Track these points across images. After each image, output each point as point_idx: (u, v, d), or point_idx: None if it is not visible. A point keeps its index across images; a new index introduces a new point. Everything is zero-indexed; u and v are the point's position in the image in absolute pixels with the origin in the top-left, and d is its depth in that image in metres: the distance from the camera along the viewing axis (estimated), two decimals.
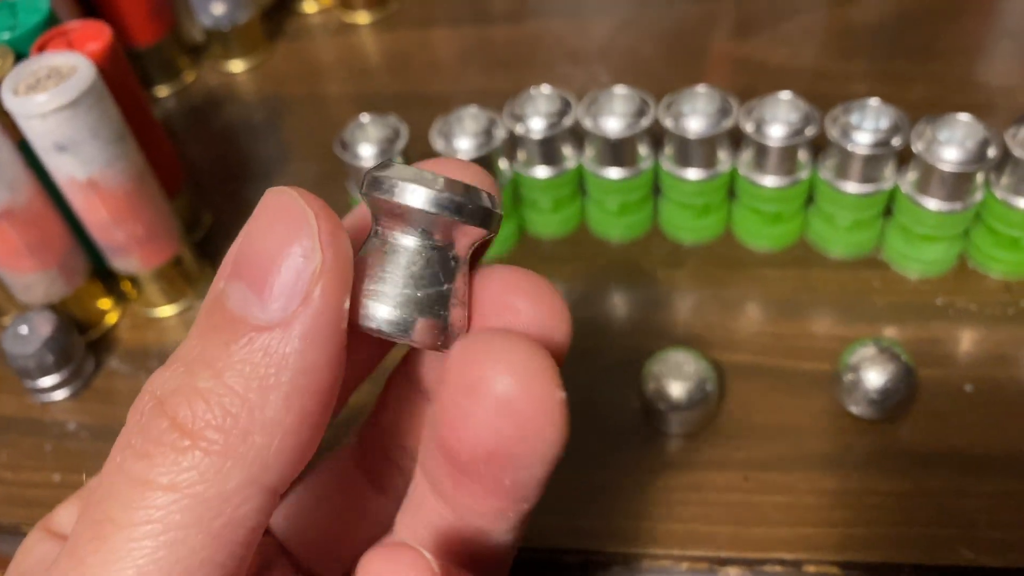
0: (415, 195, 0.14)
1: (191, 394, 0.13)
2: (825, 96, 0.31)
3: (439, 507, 0.16)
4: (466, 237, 0.15)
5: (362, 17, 0.44)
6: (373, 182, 0.14)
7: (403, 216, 0.14)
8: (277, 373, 0.13)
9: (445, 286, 0.15)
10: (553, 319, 0.15)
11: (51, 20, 0.30)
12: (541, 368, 0.14)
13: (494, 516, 0.16)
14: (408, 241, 0.15)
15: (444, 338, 0.15)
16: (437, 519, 0.16)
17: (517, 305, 0.15)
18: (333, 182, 0.35)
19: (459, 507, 0.16)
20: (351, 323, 0.14)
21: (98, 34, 0.29)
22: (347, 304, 0.14)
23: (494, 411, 0.14)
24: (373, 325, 0.15)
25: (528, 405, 0.14)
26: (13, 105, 0.26)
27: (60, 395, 0.30)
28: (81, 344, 0.31)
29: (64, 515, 0.20)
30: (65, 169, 0.27)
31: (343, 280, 0.14)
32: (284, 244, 0.13)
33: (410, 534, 0.17)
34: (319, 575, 0.20)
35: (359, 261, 0.15)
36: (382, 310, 0.15)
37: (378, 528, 0.19)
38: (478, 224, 0.15)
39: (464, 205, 0.14)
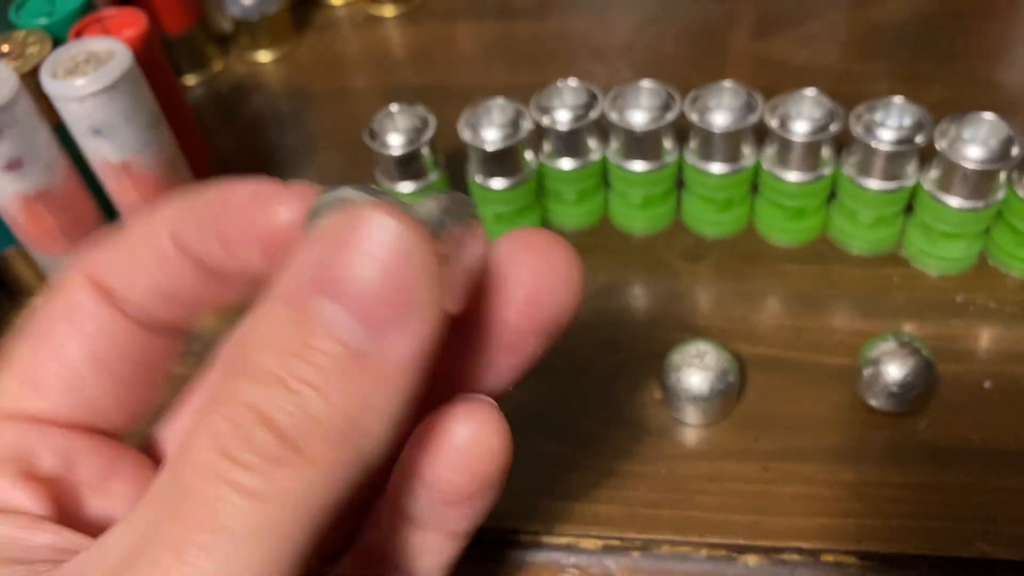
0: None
1: None
2: (846, 96, 0.31)
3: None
4: None
5: (388, 10, 0.44)
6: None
7: None
8: None
9: None
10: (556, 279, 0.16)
11: (88, 6, 0.30)
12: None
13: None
14: None
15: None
16: None
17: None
18: (358, 173, 0.35)
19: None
20: None
21: (134, 21, 0.29)
22: None
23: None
24: None
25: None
26: (52, 88, 0.26)
27: None
28: None
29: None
30: (100, 152, 0.28)
31: None
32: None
33: None
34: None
35: None
36: None
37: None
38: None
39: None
